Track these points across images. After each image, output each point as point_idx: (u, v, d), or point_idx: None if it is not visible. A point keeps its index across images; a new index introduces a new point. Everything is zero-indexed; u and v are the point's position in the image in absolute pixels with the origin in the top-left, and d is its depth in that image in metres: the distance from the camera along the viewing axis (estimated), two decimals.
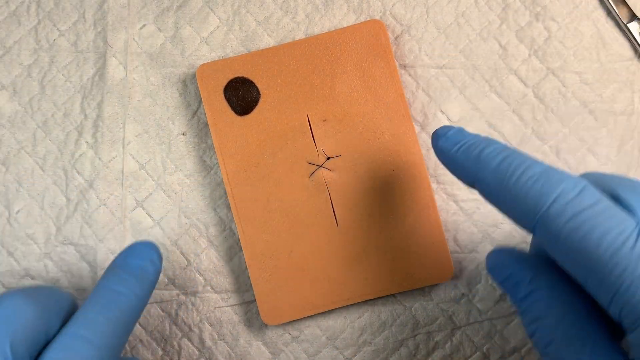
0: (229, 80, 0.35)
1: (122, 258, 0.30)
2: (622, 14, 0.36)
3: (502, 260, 0.28)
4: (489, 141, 0.27)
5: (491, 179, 0.26)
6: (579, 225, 0.23)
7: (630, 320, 0.23)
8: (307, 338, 0.36)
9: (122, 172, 0.36)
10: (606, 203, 0.24)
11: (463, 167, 0.28)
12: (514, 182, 0.25)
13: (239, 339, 0.36)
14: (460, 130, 0.29)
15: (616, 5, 0.36)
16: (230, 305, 0.36)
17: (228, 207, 0.36)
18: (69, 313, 0.28)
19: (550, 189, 0.24)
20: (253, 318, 0.36)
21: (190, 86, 0.37)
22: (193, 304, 0.36)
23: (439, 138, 0.29)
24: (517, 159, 0.26)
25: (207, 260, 0.36)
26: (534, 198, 0.24)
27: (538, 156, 0.36)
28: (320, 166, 0.35)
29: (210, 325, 0.36)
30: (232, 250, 0.36)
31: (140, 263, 0.30)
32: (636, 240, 0.23)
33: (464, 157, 0.27)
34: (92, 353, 0.25)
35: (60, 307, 0.28)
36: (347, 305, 0.36)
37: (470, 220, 0.36)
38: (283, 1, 0.37)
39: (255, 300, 0.36)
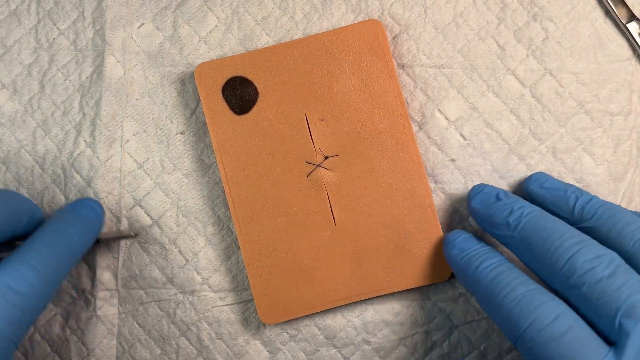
0: (227, 79, 0.35)
1: (69, 206, 0.34)
2: (621, 14, 0.36)
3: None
4: (487, 255, 0.31)
5: (482, 295, 0.30)
6: (549, 351, 0.26)
7: None
8: (305, 337, 0.36)
9: (120, 170, 0.37)
10: (579, 331, 0.26)
11: (464, 277, 0.32)
12: (499, 302, 0.29)
13: (237, 338, 0.36)
14: (467, 239, 0.33)
15: (615, 6, 0.36)
16: (228, 304, 0.36)
17: (226, 206, 0.36)
18: (36, 220, 0.33)
19: (527, 314, 0.27)
20: (251, 317, 0.36)
21: (188, 85, 0.37)
22: (191, 303, 0.36)
23: (448, 244, 0.33)
24: (505, 279, 0.29)
25: (205, 259, 0.36)
26: (513, 320, 0.28)
27: (535, 156, 0.36)
28: (318, 165, 0.35)
29: (208, 324, 0.36)
30: (230, 249, 0.36)
31: (85, 212, 0.33)
32: None
33: (465, 267, 0.31)
34: (35, 278, 0.28)
35: (26, 212, 0.32)
36: (345, 305, 0.36)
37: (468, 219, 0.36)
38: (281, 0, 0.37)
39: (253, 299, 0.36)
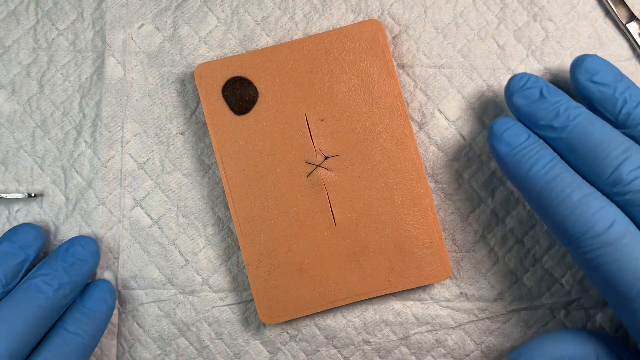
0: (227, 79, 0.35)
1: (79, 299, 0.34)
2: (621, 14, 0.36)
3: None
4: (539, 153, 0.30)
5: (535, 200, 0.29)
6: (605, 257, 0.27)
7: None
8: (305, 337, 0.36)
9: (121, 171, 0.37)
10: (632, 236, 0.27)
11: (514, 178, 0.30)
12: (553, 209, 0.29)
13: (237, 338, 0.36)
14: (516, 132, 0.31)
15: (615, 6, 0.36)
16: (228, 305, 0.36)
17: (226, 206, 0.36)
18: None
19: (583, 222, 0.27)
20: (251, 317, 0.36)
21: (188, 86, 0.37)
22: (191, 303, 0.36)
23: (494, 137, 0.31)
24: (559, 184, 0.29)
25: (205, 259, 0.36)
26: (568, 227, 0.28)
27: None
28: (318, 165, 0.35)
29: (208, 324, 0.36)
30: (230, 250, 0.36)
31: (94, 305, 0.33)
32: None
33: (516, 168, 0.30)
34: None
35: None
36: (346, 305, 0.36)
37: (468, 219, 0.36)
38: (281, 1, 0.37)
39: (253, 300, 0.36)
